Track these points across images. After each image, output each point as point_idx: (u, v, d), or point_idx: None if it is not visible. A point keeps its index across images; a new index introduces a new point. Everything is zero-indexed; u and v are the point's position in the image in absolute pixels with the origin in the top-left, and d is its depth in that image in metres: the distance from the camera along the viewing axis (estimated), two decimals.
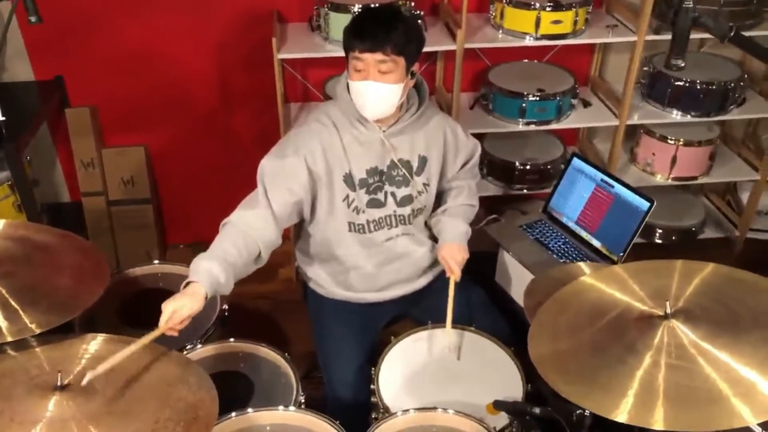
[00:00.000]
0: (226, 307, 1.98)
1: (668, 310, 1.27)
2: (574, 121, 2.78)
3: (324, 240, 1.95)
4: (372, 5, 1.88)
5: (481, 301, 2.07)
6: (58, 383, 1.20)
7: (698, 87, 2.69)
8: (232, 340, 1.85)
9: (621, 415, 1.12)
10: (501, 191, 2.87)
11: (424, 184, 1.97)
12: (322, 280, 2.03)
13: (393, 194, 1.93)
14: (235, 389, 1.73)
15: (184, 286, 1.61)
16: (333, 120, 1.86)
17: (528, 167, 2.83)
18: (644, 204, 2.12)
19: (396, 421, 1.58)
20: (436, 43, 2.53)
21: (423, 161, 1.95)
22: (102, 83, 2.73)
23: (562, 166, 2.66)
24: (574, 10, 2.50)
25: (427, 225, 2.06)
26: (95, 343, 1.44)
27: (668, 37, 2.62)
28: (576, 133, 3.13)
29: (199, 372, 1.46)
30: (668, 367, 1.18)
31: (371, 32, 1.72)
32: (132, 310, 1.94)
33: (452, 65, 2.59)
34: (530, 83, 2.72)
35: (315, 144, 1.83)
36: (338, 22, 2.44)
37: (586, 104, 2.86)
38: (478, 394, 1.66)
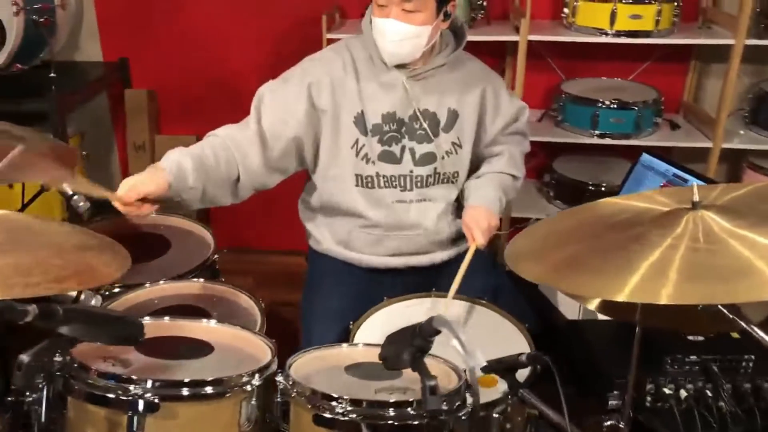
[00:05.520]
0: (217, 257, 1.75)
1: (696, 199, 0.91)
2: (656, 139, 2.43)
3: (327, 190, 1.70)
4: None
5: (508, 286, 1.71)
6: None
7: None
8: (201, 280, 1.60)
9: (620, 296, 0.83)
10: None
11: (454, 144, 1.69)
12: (320, 234, 1.76)
13: (411, 150, 1.66)
14: None
15: None
16: (351, 52, 1.66)
17: (603, 189, 2.46)
18: None
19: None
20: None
21: (453, 116, 1.68)
22: (165, 70, 2.76)
23: None
24: (657, 5, 2.23)
25: (457, 199, 1.75)
26: None
27: None
28: None
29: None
30: (689, 249, 0.83)
31: None
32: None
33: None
34: (607, 94, 2.44)
35: (322, 74, 1.62)
36: None
37: (673, 126, 2.51)
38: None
